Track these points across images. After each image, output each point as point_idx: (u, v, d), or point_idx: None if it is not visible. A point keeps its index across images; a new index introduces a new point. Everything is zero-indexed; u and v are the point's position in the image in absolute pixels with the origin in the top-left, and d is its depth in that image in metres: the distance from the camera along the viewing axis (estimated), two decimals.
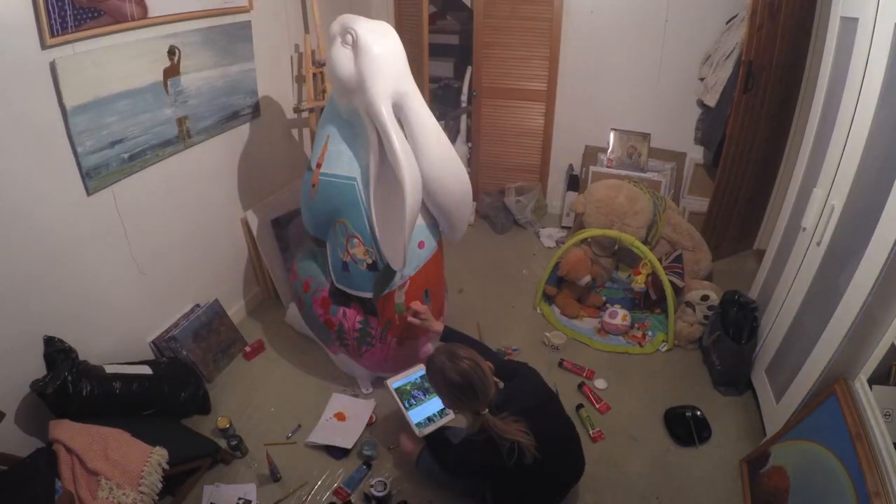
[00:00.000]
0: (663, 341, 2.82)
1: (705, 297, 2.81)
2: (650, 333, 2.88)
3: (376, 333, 2.28)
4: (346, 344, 2.33)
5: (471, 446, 1.79)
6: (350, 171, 2.06)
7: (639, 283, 2.93)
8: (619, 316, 2.89)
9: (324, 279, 2.32)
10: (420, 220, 2.17)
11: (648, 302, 3.02)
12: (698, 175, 3.62)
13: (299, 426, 2.31)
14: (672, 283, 2.82)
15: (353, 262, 2.16)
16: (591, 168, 3.70)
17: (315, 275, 2.36)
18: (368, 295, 2.20)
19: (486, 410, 1.69)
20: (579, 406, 2.41)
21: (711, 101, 3.20)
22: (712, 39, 3.25)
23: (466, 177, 2.16)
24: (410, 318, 2.19)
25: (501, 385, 1.86)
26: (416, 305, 2.20)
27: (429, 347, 2.41)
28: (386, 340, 2.29)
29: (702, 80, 3.34)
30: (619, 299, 3.10)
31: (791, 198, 2.41)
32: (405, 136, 1.96)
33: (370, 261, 2.12)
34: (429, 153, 2.00)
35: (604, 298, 3.09)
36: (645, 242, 3.00)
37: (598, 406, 2.43)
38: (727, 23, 3.18)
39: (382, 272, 2.12)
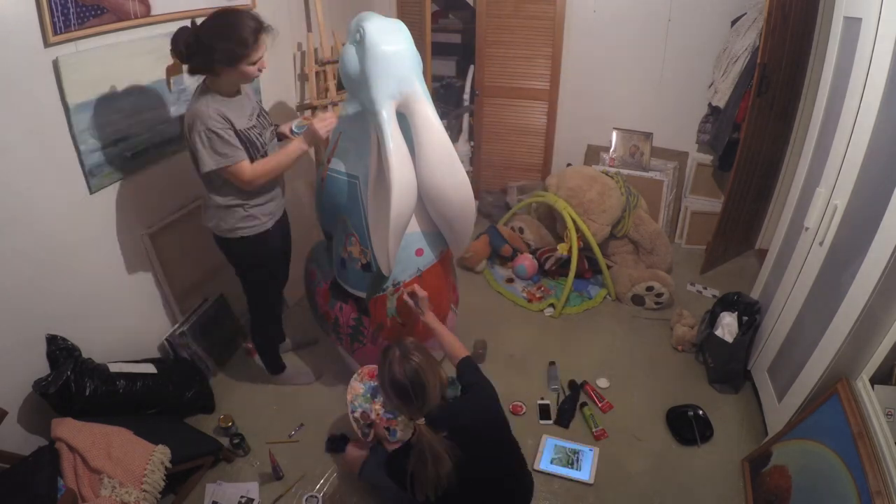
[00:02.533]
0: (550, 305, 3.08)
1: (650, 288, 3.00)
2: (545, 298, 3.16)
3: (368, 334, 2.28)
4: (341, 338, 2.36)
5: (394, 457, 1.65)
6: (354, 169, 2.06)
7: (562, 250, 3.17)
8: (528, 261, 3.26)
9: (329, 271, 2.34)
10: (418, 228, 2.12)
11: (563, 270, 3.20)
12: (701, 175, 3.62)
13: (302, 425, 2.31)
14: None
15: (350, 260, 2.17)
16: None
17: (321, 266, 2.39)
18: (362, 294, 2.21)
19: (423, 420, 1.55)
20: (583, 405, 2.41)
21: (720, 103, 3.18)
22: (716, 39, 3.24)
23: (469, 189, 2.04)
24: (405, 297, 2.08)
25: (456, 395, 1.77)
26: (417, 289, 2.06)
27: None
28: (377, 343, 2.29)
29: (710, 85, 3.30)
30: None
31: (794, 197, 2.41)
32: (413, 139, 1.92)
33: (364, 261, 2.11)
34: (431, 160, 1.94)
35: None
36: (611, 237, 3.25)
37: (600, 405, 2.43)
38: (732, 23, 3.16)
39: (375, 273, 2.12)
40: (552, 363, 2.64)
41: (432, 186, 1.98)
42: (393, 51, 1.83)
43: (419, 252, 2.16)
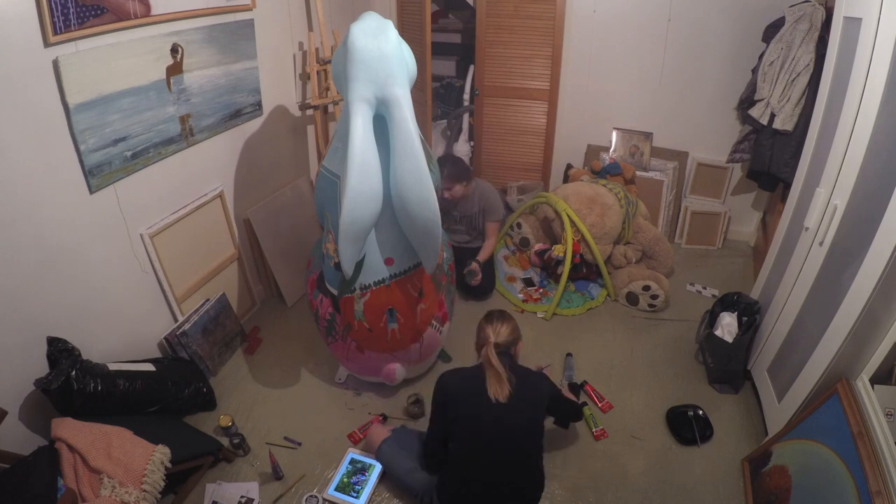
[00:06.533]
0: (544, 311, 3.08)
1: (647, 288, 3.00)
2: (542, 301, 3.17)
3: (339, 330, 2.29)
4: (319, 328, 2.39)
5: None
6: (339, 168, 2.02)
7: (558, 251, 3.14)
8: (545, 252, 3.25)
9: (319, 263, 2.34)
10: (389, 236, 2.09)
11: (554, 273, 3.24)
12: (701, 175, 3.62)
13: (300, 444, 2.26)
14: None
15: (327, 257, 2.19)
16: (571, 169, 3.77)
17: (315, 256, 2.41)
18: (335, 292, 2.22)
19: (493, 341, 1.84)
20: (583, 405, 2.40)
21: (787, 126, 2.87)
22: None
23: (434, 205, 1.94)
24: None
25: None
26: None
27: (393, 367, 2.34)
28: (346, 340, 2.30)
29: (759, 100, 2.99)
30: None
31: (794, 197, 2.41)
32: (391, 144, 1.90)
33: (337, 259, 2.10)
34: (399, 170, 1.89)
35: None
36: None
37: (600, 405, 2.43)
38: (769, 27, 2.95)
39: (343, 274, 2.12)
40: (569, 354, 2.70)
41: (397, 197, 1.95)
42: (371, 53, 1.79)
43: (389, 261, 2.14)
